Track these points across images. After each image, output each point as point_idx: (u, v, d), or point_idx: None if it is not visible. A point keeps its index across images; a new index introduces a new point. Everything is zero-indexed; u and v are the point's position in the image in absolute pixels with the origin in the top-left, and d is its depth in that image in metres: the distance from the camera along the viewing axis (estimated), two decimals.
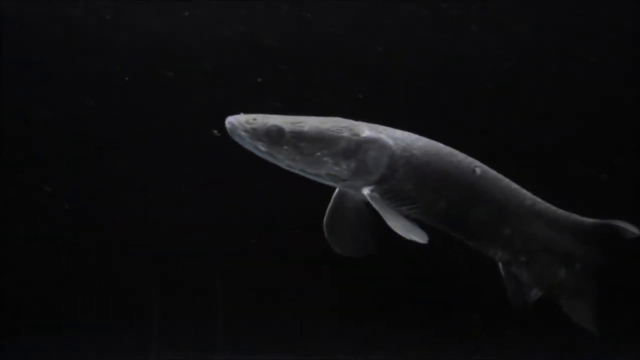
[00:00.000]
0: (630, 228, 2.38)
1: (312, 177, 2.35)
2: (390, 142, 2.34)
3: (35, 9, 3.67)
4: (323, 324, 3.84)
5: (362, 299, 3.83)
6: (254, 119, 2.28)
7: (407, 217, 2.35)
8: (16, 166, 3.80)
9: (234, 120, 2.27)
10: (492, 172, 2.45)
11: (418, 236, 2.25)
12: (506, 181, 2.46)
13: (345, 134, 2.31)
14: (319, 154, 2.28)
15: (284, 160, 2.29)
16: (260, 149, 2.27)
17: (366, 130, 2.35)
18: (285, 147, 2.27)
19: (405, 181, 2.34)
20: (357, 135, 2.32)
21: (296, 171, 2.33)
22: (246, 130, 2.25)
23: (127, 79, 3.73)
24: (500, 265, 2.46)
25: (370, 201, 2.32)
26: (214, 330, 3.85)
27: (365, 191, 2.33)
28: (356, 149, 2.30)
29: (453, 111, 3.71)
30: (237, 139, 2.28)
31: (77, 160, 3.81)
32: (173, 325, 3.86)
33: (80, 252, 3.83)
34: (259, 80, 3.59)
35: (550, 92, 3.77)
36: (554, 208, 2.47)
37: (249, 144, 2.28)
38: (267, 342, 3.83)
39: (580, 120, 3.74)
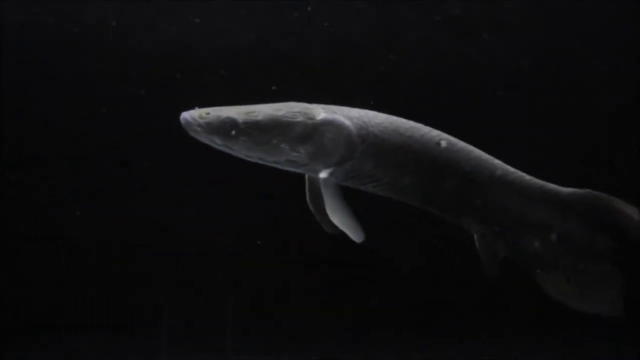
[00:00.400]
0: (616, 203, 2.40)
1: (271, 165, 2.35)
2: (347, 122, 2.33)
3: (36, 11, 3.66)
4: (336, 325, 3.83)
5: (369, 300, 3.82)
6: (207, 113, 2.27)
7: (375, 194, 2.39)
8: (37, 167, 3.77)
9: (187, 116, 2.26)
10: (461, 144, 2.44)
11: (354, 233, 2.26)
12: (476, 152, 2.45)
13: (300, 118, 2.29)
14: (275, 141, 2.27)
15: (241, 151, 2.30)
16: (217, 142, 2.28)
17: (321, 112, 2.33)
18: (241, 138, 2.26)
19: (365, 160, 2.34)
20: (312, 118, 2.30)
21: (255, 160, 2.33)
22: (200, 125, 2.25)
23: (126, 85, 3.72)
24: (475, 236, 2.45)
25: (322, 186, 2.31)
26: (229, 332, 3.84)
27: (322, 175, 2.32)
28: (312, 132, 2.29)
29: (467, 117, 3.69)
30: (193, 134, 2.27)
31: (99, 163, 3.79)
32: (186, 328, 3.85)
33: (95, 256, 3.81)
34: (273, 88, 3.57)
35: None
36: (528, 178, 2.47)
37: (205, 139, 2.28)
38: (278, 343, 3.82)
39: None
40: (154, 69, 3.77)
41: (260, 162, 2.34)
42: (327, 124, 2.31)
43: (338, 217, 2.27)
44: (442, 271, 3.73)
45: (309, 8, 3.63)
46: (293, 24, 3.72)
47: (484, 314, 3.75)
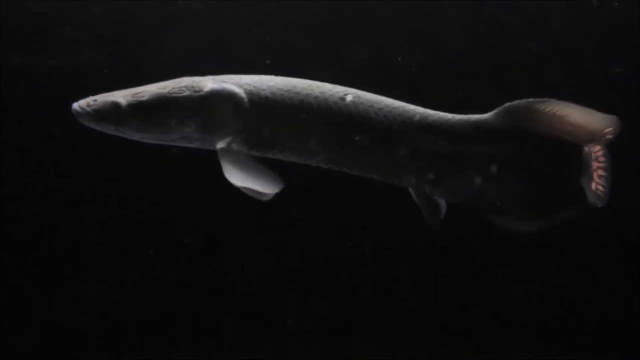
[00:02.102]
0: (538, 104, 2.26)
1: (169, 143, 2.30)
2: (236, 89, 2.25)
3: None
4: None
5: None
6: (95, 100, 2.23)
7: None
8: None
9: (76, 106, 2.23)
10: (369, 96, 2.33)
11: (258, 194, 2.17)
12: (387, 101, 2.33)
13: (187, 93, 2.23)
14: (164, 119, 2.22)
15: (134, 134, 2.25)
16: (109, 128, 2.24)
17: (209, 83, 2.27)
18: (130, 121, 2.21)
19: (261, 125, 2.26)
20: (199, 91, 2.24)
21: (150, 141, 2.28)
22: (88, 114, 2.21)
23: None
24: (411, 190, 2.35)
25: (220, 157, 2.23)
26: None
27: (219, 145, 2.25)
28: (200, 105, 2.23)
29: None
30: (85, 124, 2.24)
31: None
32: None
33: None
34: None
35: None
36: (449, 116, 2.33)
37: (97, 126, 2.24)
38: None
39: None
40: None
41: (156, 142, 2.29)
42: (215, 94, 2.24)
43: (241, 184, 2.16)
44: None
45: None
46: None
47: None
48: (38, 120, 3.34)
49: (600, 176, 2.30)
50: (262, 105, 2.25)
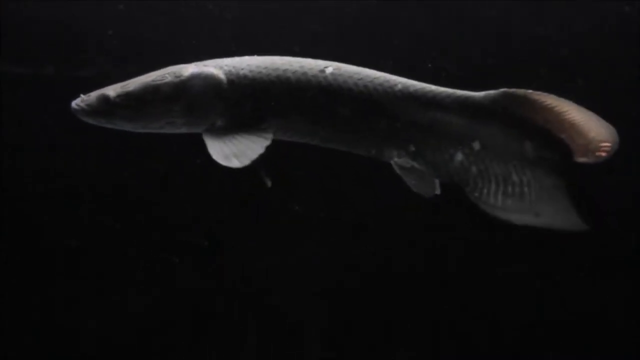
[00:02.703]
0: (534, 95, 2.23)
1: (158, 131, 2.35)
2: (214, 71, 2.29)
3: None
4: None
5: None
6: (88, 96, 2.31)
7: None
8: None
9: (73, 104, 2.32)
10: (350, 67, 2.31)
11: (238, 162, 2.17)
12: (368, 72, 2.32)
13: (169, 78, 2.29)
14: (149, 107, 2.27)
15: (126, 125, 2.32)
16: (102, 122, 2.32)
17: (190, 68, 2.32)
18: (120, 112, 2.28)
19: (242, 104, 2.28)
20: (179, 76, 2.29)
21: (141, 130, 2.34)
22: (83, 109, 2.30)
23: None
24: (392, 163, 2.32)
25: (204, 138, 2.27)
26: None
27: (204, 127, 2.30)
28: (181, 89, 2.27)
29: None
30: (83, 119, 2.32)
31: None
32: None
33: None
34: None
35: None
36: (434, 87, 2.30)
37: (93, 121, 2.32)
38: None
39: None
40: None
41: (147, 130, 2.34)
42: (194, 77, 2.28)
43: (226, 163, 2.17)
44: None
45: None
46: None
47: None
48: (38, 121, 3.36)
49: None
50: (241, 84, 2.27)
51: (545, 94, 2.23)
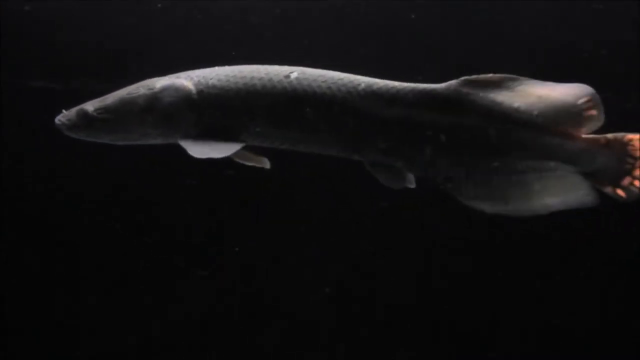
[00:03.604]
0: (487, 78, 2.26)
1: (136, 143, 2.41)
2: (184, 82, 2.35)
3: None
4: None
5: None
6: (70, 111, 2.38)
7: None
8: None
9: (56, 120, 2.38)
10: (315, 71, 2.35)
11: (215, 153, 2.25)
12: (332, 74, 2.34)
13: (142, 91, 2.35)
14: (125, 119, 2.34)
15: (104, 137, 2.39)
16: (82, 135, 2.38)
17: (162, 80, 2.38)
18: (98, 125, 2.34)
19: (212, 113, 2.33)
20: (152, 88, 2.35)
21: (121, 143, 2.40)
22: (63, 124, 2.37)
23: None
24: (364, 161, 2.35)
25: (182, 146, 2.32)
26: None
27: (179, 139, 2.35)
28: (153, 101, 2.33)
29: None
30: (68, 134, 2.38)
31: None
32: None
33: None
34: None
35: None
36: (395, 83, 2.31)
37: (75, 135, 2.38)
38: None
39: None
40: None
41: (125, 143, 2.41)
42: (165, 89, 2.34)
43: (204, 155, 2.25)
44: None
45: None
46: None
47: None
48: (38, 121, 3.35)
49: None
50: (210, 94, 2.33)
51: (506, 75, 2.26)
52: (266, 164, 2.39)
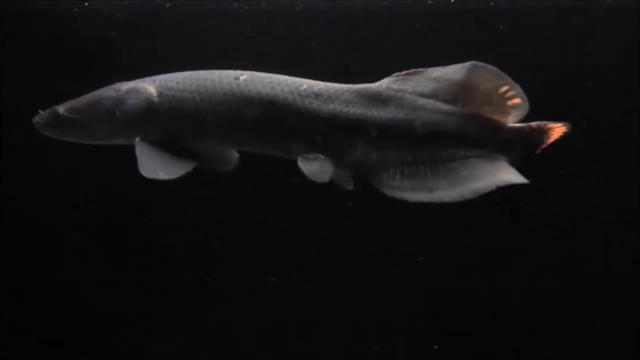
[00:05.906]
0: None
1: (105, 143, 2.50)
2: (147, 85, 2.45)
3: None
4: None
5: None
6: (45, 112, 2.47)
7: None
8: None
9: (33, 120, 2.48)
10: (263, 74, 2.46)
11: (164, 174, 2.31)
12: (277, 76, 2.46)
13: (109, 92, 2.46)
14: (91, 120, 2.43)
15: (73, 136, 2.48)
16: (55, 133, 2.47)
17: (129, 83, 2.47)
18: (68, 125, 2.44)
19: (170, 115, 2.42)
20: (118, 90, 2.45)
21: (91, 142, 2.49)
22: (37, 123, 2.47)
23: None
24: (297, 158, 2.41)
25: (136, 150, 2.37)
26: None
27: (137, 140, 2.41)
28: (118, 103, 2.42)
29: None
30: (45, 134, 2.47)
31: None
32: None
33: None
34: None
35: None
36: (335, 85, 2.45)
37: (49, 134, 2.47)
38: None
39: None
40: None
41: (94, 142, 2.50)
42: (129, 91, 2.44)
43: (151, 176, 2.31)
44: None
45: None
46: None
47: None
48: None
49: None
50: (169, 97, 2.43)
51: (431, 68, 2.36)
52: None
